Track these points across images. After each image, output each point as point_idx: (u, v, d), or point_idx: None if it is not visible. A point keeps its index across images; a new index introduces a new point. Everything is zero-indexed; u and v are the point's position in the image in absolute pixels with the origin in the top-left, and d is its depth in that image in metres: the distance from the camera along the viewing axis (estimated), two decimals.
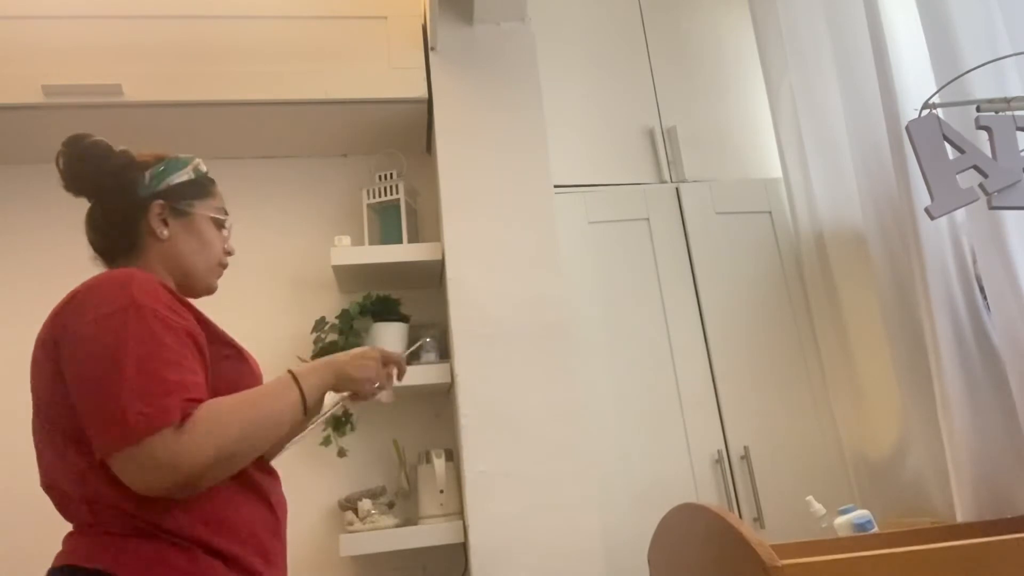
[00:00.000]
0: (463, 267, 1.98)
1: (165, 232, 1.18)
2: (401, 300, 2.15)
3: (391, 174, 2.23)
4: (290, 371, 1.12)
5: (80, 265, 2.33)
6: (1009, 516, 1.46)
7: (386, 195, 2.21)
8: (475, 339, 1.92)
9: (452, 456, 2.01)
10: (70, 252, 2.22)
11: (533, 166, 2.08)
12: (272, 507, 1.10)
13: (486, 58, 2.16)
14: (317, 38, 2.17)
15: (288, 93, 2.12)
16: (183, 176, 1.23)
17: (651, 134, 2.33)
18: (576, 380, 1.93)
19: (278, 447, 1.20)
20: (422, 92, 2.15)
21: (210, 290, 1.29)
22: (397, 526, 1.93)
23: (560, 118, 2.26)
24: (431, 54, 2.16)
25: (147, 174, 1.18)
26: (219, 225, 1.27)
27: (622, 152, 2.31)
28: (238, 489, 1.05)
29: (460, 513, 1.94)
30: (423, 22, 2.22)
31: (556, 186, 2.13)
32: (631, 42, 2.43)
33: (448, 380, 1.99)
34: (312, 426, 1.27)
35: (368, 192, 2.23)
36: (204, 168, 1.30)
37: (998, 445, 1.51)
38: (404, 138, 2.34)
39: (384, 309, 2.10)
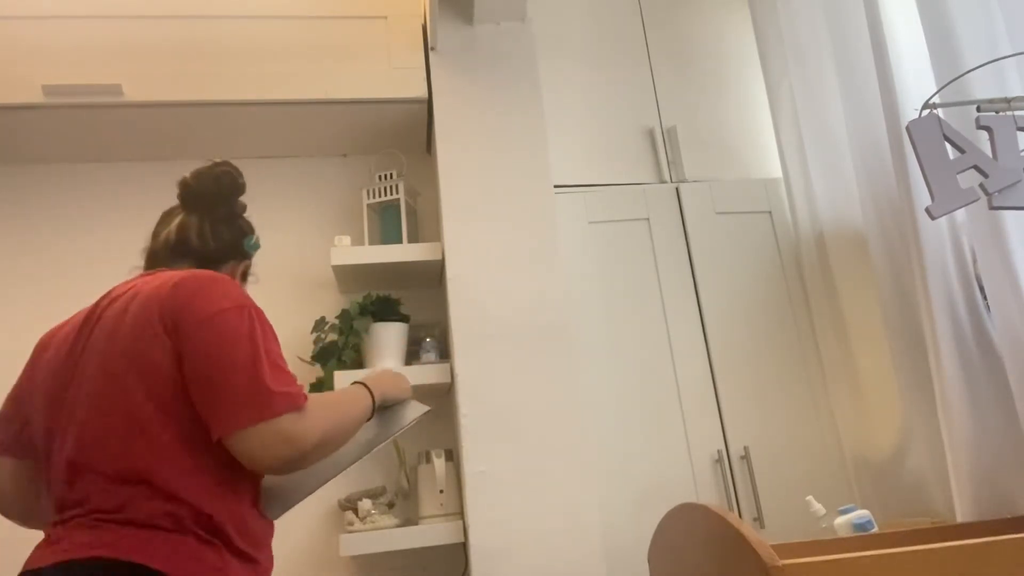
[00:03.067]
0: (463, 267, 1.98)
1: (243, 284, 1.37)
2: (401, 300, 2.15)
3: (391, 174, 2.23)
4: (362, 383, 1.30)
5: (79, 265, 2.34)
6: (1009, 516, 1.46)
7: (386, 195, 2.21)
8: (475, 339, 1.92)
9: (452, 456, 2.01)
10: (70, 252, 2.25)
11: (533, 166, 2.08)
12: (271, 526, 1.21)
13: (486, 58, 2.16)
14: (317, 38, 2.17)
15: (288, 93, 2.12)
16: (256, 250, 1.42)
17: (651, 134, 2.33)
18: (576, 380, 1.93)
19: (362, 452, 1.31)
20: (422, 92, 2.15)
21: None
22: (397, 526, 1.93)
23: (560, 118, 2.26)
24: (431, 54, 2.16)
25: (253, 237, 1.39)
26: None
27: (622, 152, 2.30)
28: (252, 508, 1.14)
29: (460, 513, 1.94)
30: (423, 22, 2.22)
31: (556, 186, 2.13)
32: (631, 42, 2.43)
33: (448, 380, 1.99)
34: (396, 436, 1.37)
35: (368, 192, 2.23)
36: None
37: (998, 445, 1.51)
38: (404, 138, 2.34)
39: (384, 309, 2.10)
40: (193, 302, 1.10)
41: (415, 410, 1.37)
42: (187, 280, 1.13)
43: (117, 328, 1.12)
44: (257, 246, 1.39)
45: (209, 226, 1.30)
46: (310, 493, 1.26)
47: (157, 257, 1.30)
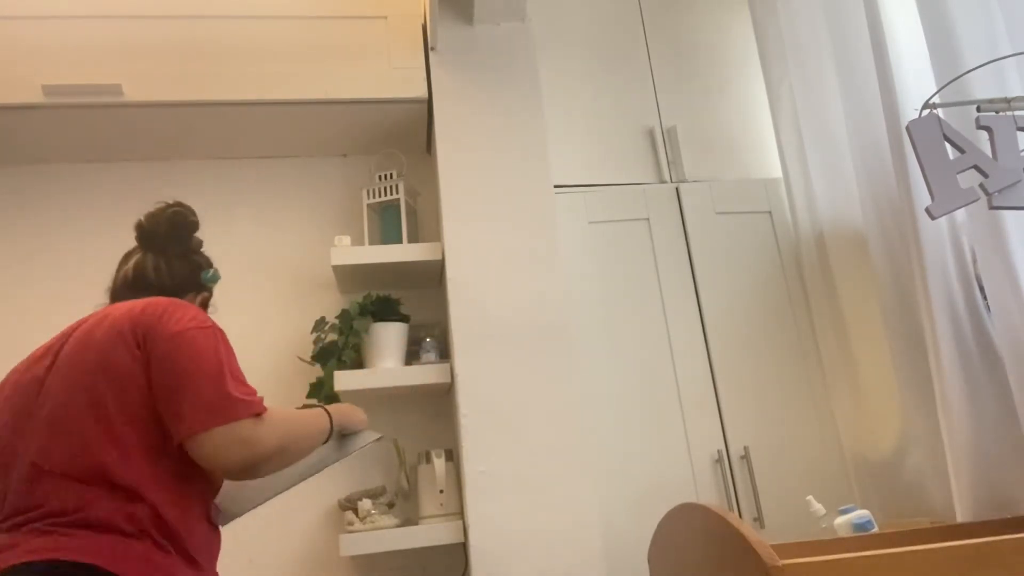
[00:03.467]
0: (463, 267, 1.98)
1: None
2: (401, 300, 2.15)
3: (391, 174, 2.23)
4: (322, 406, 1.39)
5: (79, 265, 2.34)
6: (1009, 516, 1.46)
7: (386, 195, 2.21)
8: (475, 339, 1.92)
9: (452, 456, 2.01)
10: (70, 252, 2.25)
11: (533, 166, 2.08)
12: (218, 535, 1.28)
13: (486, 58, 2.16)
14: (317, 38, 2.17)
15: (288, 93, 2.12)
16: (215, 282, 1.50)
17: (651, 134, 2.33)
18: (576, 380, 1.93)
19: (313, 470, 1.39)
20: (422, 92, 2.15)
21: None
22: (397, 526, 1.93)
23: (560, 118, 2.26)
24: (431, 54, 2.16)
25: (210, 271, 1.47)
26: None
27: (622, 152, 2.30)
28: (203, 516, 1.21)
29: (460, 513, 1.94)
30: (423, 22, 2.22)
31: (556, 186, 2.13)
32: (631, 42, 2.43)
33: (448, 380, 1.99)
34: (346, 457, 1.46)
35: (368, 192, 2.23)
36: None
37: (998, 445, 1.51)
38: (404, 138, 2.34)
39: (384, 309, 2.10)
40: (162, 319, 1.18)
41: (367, 437, 1.48)
42: (156, 301, 1.23)
43: (87, 342, 1.18)
44: (215, 278, 1.48)
45: (164, 262, 1.38)
46: (259, 504, 1.35)
47: (118, 295, 1.37)
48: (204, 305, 1.46)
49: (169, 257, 1.40)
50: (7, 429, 1.17)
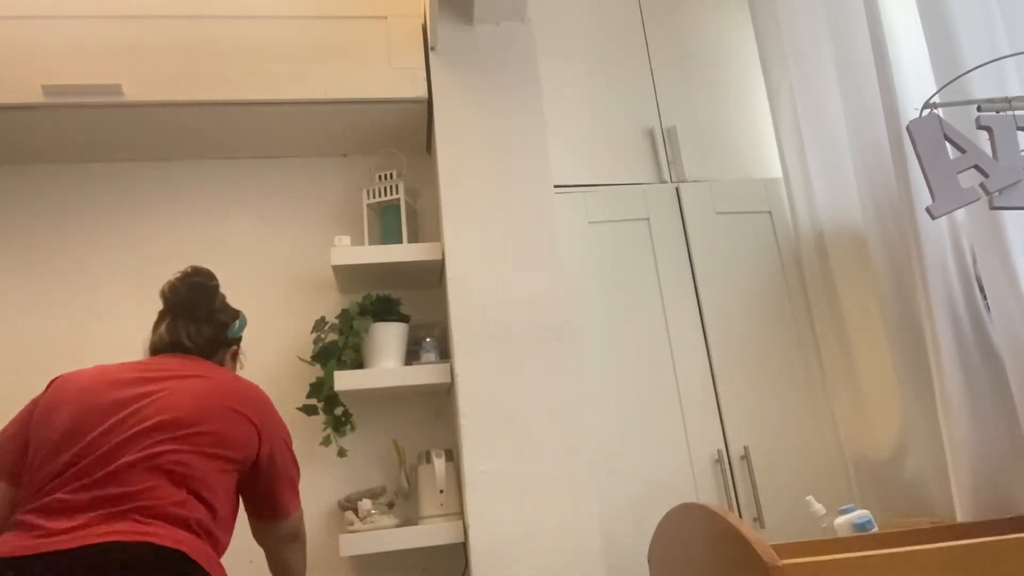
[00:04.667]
0: (463, 267, 1.98)
1: (230, 364, 1.63)
2: (401, 300, 2.15)
3: (391, 174, 2.23)
4: None
5: (79, 265, 2.34)
6: (1009, 516, 1.45)
7: (386, 195, 2.21)
8: (475, 339, 1.92)
9: (452, 456, 2.01)
10: (69, 252, 2.24)
11: (533, 166, 2.08)
12: None
13: (486, 58, 2.16)
14: (317, 38, 2.17)
15: (288, 93, 2.12)
16: (242, 330, 1.65)
17: (651, 134, 2.33)
18: (576, 380, 1.93)
19: None
20: (422, 92, 2.15)
21: None
22: (397, 526, 1.93)
23: (560, 118, 2.26)
24: (431, 54, 2.16)
25: (235, 324, 1.61)
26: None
27: (622, 152, 2.30)
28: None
29: (460, 513, 1.94)
30: (423, 22, 2.22)
31: (556, 186, 2.13)
32: (631, 42, 2.43)
33: (448, 380, 1.99)
34: None
35: (368, 192, 2.23)
36: None
37: (998, 445, 1.51)
38: (404, 138, 2.34)
39: (384, 309, 2.10)
40: (271, 418, 1.47)
41: None
42: (259, 399, 1.47)
43: (203, 401, 1.37)
44: (241, 327, 1.62)
45: (194, 327, 1.53)
46: None
47: (158, 350, 1.52)
48: (234, 357, 1.63)
49: (197, 321, 1.54)
50: (66, 443, 1.30)
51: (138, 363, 1.47)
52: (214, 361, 1.55)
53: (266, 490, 1.45)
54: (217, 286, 1.60)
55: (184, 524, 1.25)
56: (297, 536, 1.55)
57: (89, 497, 1.22)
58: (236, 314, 1.63)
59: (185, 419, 1.32)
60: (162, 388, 1.36)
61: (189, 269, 1.59)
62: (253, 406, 1.43)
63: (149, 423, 1.30)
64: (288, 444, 1.50)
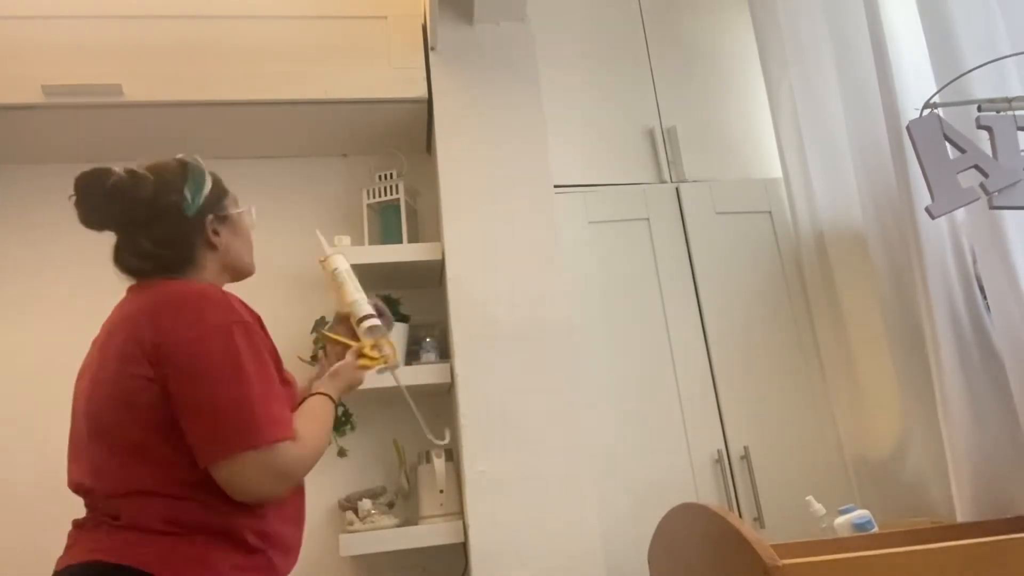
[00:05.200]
0: (463, 267, 1.98)
1: (219, 240, 1.26)
2: (401, 300, 2.15)
3: (391, 174, 2.23)
4: (326, 394, 1.28)
5: (79, 265, 2.34)
6: (1009, 516, 1.45)
7: (386, 195, 2.21)
8: (475, 339, 1.92)
9: (452, 456, 2.01)
10: (70, 252, 2.24)
11: (533, 166, 2.08)
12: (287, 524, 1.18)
13: (486, 58, 2.16)
14: (317, 38, 2.17)
15: (288, 93, 2.12)
16: (208, 185, 1.28)
17: (651, 134, 2.33)
18: (576, 380, 1.93)
19: None
20: (422, 92, 2.15)
21: (252, 272, 1.42)
22: (397, 526, 1.93)
23: (560, 118, 2.26)
24: (431, 54, 2.16)
25: (187, 196, 1.22)
26: (246, 217, 1.37)
27: (622, 152, 2.30)
28: (256, 509, 1.11)
29: (460, 513, 1.94)
30: (423, 22, 2.22)
31: (556, 186, 2.13)
32: (631, 42, 2.43)
33: (448, 380, 1.99)
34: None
35: (368, 192, 2.23)
36: (201, 163, 1.33)
37: (998, 445, 1.51)
38: (404, 138, 2.34)
39: None
40: (175, 330, 1.07)
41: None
42: (162, 306, 1.11)
43: (102, 364, 1.13)
44: (200, 187, 1.26)
45: (147, 237, 1.21)
46: None
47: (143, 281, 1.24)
48: (215, 230, 1.27)
49: (139, 231, 1.21)
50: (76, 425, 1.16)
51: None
52: (188, 267, 1.22)
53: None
54: (123, 178, 1.24)
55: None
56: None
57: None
58: (182, 179, 1.24)
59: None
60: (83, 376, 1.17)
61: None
62: (147, 329, 1.10)
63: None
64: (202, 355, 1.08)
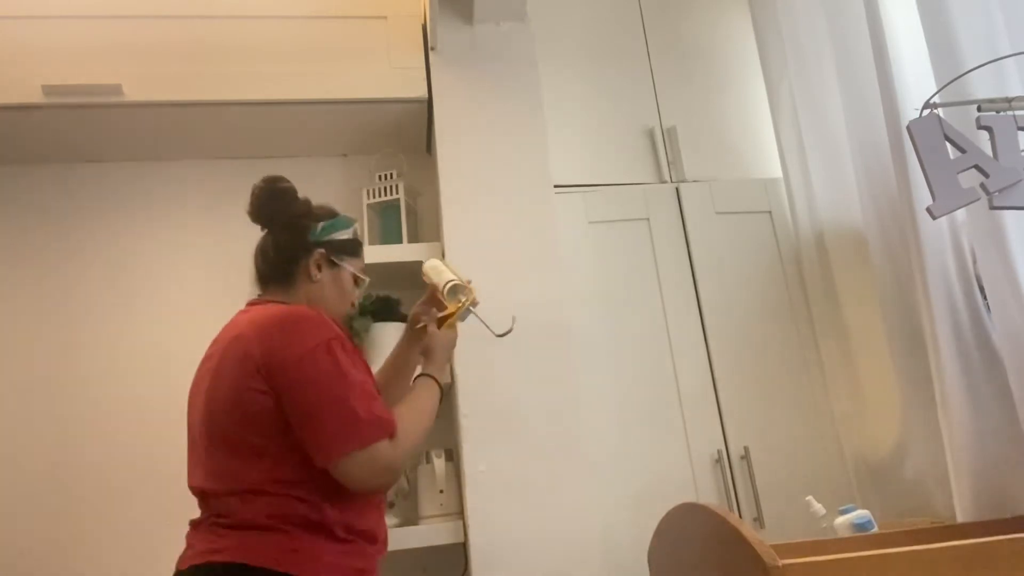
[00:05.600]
0: (463, 267, 1.97)
1: (318, 276, 1.40)
2: (401, 300, 2.15)
3: (391, 174, 2.23)
4: (431, 376, 1.43)
5: (79, 265, 2.34)
6: (1009, 516, 1.45)
7: (386, 195, 2.21)
8: (474, 339, 1.91)
9: (452, 456, 2.01)
10: (69, 252, 2.24)
11: (533, 166, 2.08)
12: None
13: (486, 58, 2.16)
14: (317, 38, 2.17)
15: (288, 93, 2.12)
16: (344, 235, 1.45)
17: (651, 134, 2.33)
18: (576, 380, 1.92)
19: None
20: (422, 92, 2.15)
21: None
22: (397, 526, 1.93)
23: (560, 118, 2.25)
24: (431, 54, 2.16)
25: (319, 225, 1.41)
26: (357, 283, 1.49)
27: (622, 152, 2.30)
28: (352, 501, 1.25)
29: (460, 513, 1.94)
30: (423, 22, 2.22)
31: (556, 186, 2.12)
32: (631, 42, 2.43)
33: (448, 380, 1.98)
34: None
35: (368, 192, 2.23)
36: (358, 232, 1.51)
37: (998, 445, 1.50)
38: (404, 138, 2.34)
39: (384, 309, 2.09)
40: (273, 349, 1.21)
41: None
42: (268, 328, 1.25)
43: (217, 379, 1.26)
44: (329, 229, 1.42)
45: (271, 240, 1.40)
46: None
47: (256, 285, 1.42)
48: (319, 265, 1.40)
49: (275, 232, 1.40)
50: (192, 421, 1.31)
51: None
52: (287, 282, 1.37)
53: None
54: (291, 188, 1.43)
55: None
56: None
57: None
58: (328, 214, 1.43)
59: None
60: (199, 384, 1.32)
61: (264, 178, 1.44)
62: (257, 348, 1.23)
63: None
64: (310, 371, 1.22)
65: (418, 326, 1.59)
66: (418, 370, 1.47)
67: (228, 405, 1.21)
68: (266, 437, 1.19)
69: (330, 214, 1.44)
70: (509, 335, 1.85)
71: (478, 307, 1.57)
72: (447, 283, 1.56)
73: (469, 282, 1.58)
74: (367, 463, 1.17)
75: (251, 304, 1.38)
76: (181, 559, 1.22)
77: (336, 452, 1.16)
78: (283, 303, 1.34)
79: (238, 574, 1.12)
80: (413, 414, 1.31)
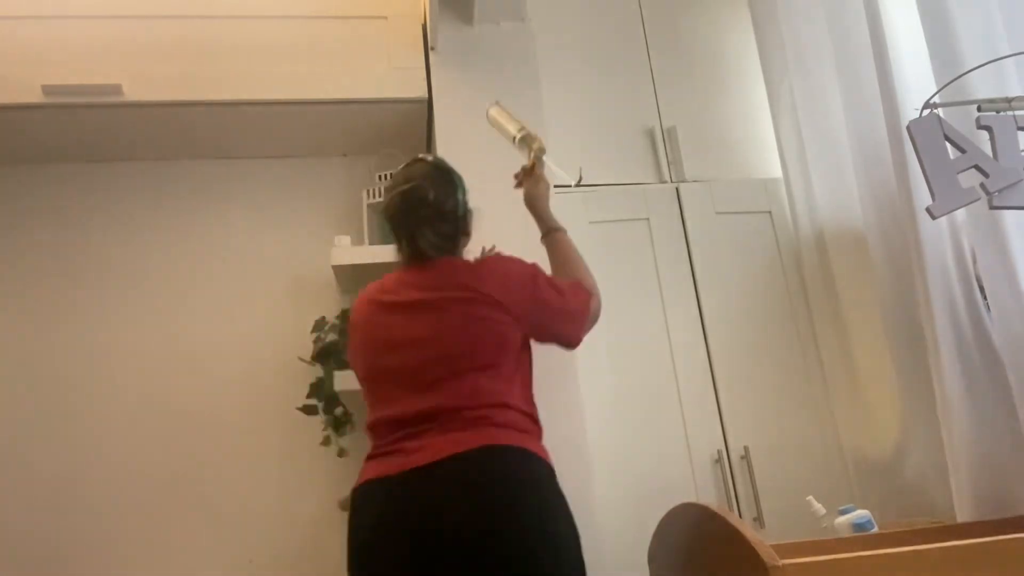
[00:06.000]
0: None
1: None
2: None
3: (391, 174, 2.22)
4: (560, 228, 1.75)
5: (79, 264, 2.33)
6: (1009, 516, 1.45)
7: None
8: None
9: None
10: (69, 252, 2.24)
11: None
12: None
13: (486, 58, 2.16)
14: (317, 38, 2.17)
15: (288, 93, 2.12)
16: (466, 204, 1.64)
17: (651, 134, 2.33)
18: (576, 380, 1.92)
19: None
20: (422, 92, 2.15)
21: None
22: None
23: (560, 118, 2.25)
24: (431, 54, 2.16)
25: (460, 202, 1.61)
26: None
27: (622, 152, 2.30)
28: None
29: None
30: (423, 22, 2.22)
31: (556, 186, 2.12)
32: (631, 42, 2.43)
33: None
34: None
35: (368, 192, 2.23)
36: None
37: (998, 445, 1.50)
38: (404, 138, 2.34)
39: None
40: (505, 280, 1.48)
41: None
42: (485, 267, 1.52)
43: (440, 318, 1.43)
44: (464, 205, 1.61)
45: (427, 230, 1.53)
46: None
47: (408, 264, 1.55)
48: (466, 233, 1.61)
49: (424, 225, 1.52)
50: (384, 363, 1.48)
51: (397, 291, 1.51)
52: (455, 253, 1.57)
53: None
54: (429, 188, 1.56)
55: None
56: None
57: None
58: (456, 190, 1.61)
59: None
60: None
61: (400, 177, 1.57)
62: (488, 281, 1.46)
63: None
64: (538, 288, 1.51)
65: (516, 187, 1.79)
66: (542, 226, 1.75)
67: (465, 335, 1.42)
68: (503, 356, 1.44)
69: (454, 191, 1.64)
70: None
71: (545, 154, 1.71)
72: (517, 135, 1.69)
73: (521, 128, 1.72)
74: (591, 321, 1.60)
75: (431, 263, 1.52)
76: (431, 452, 1.33)
77: (578, 330, 1.57)
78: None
79: (518, 454, 1.37)
80: (578, 269, 1.65)
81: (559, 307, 1.52)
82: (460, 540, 1.25)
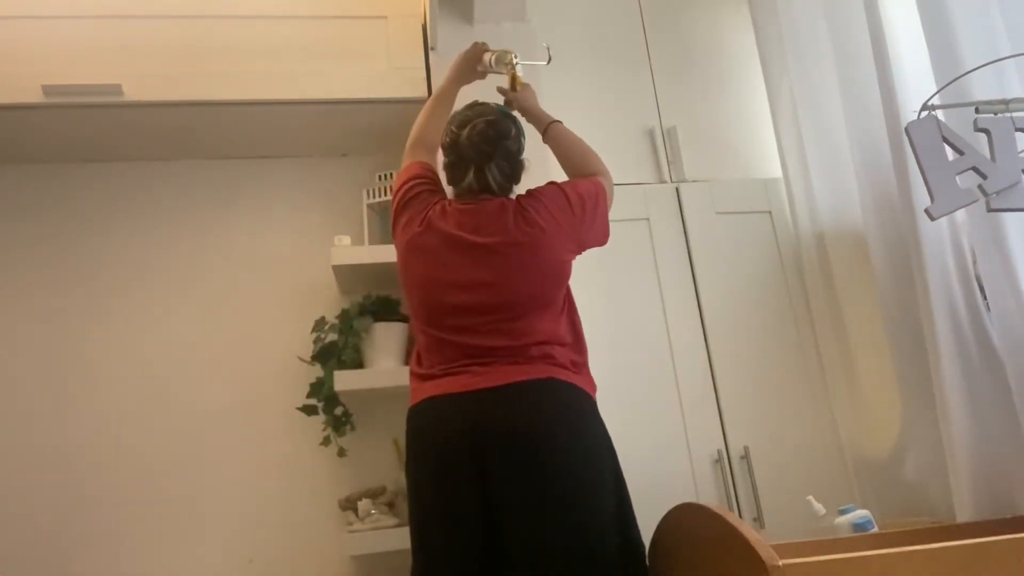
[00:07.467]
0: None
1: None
2: (401, 300, 2.15)
3: (391, 174, 2.23)
4: (550, 124, 1.83)
5: (79, 264, 2.33)
6: (1009, 516, 1.46)
7: (386, 195, 2.21)
8: None
9: None
10: (69, 251, 2.25)
11: (533, 166, 2.08)
12: None
13: None
14: (317, 38, 2.17)
15: (288, 93, 2.12)
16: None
17: (651, 134, 2.33)
18: None
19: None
20: (422, 92, 2.15)
21: None
22: (397, 526, 1.93)
23: (560, 118, 2.24)
24: (431, 54, 2.16)
25: (520, 146, 1.68)
26: None
27: (622, 152, 2.30)
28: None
29: None
30: (423, 22, 2.22)
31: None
32: (631, 42, 2.43)
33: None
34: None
35: (368, 192, 2.23)
36: None
37: (998, 445, 1.51)
38: (404, 138, 2.33)
39: (384, 309, 2.10)
40: (555, 211, 1.59)
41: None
42: (541, 199, 1.61)
43: (531, 248, 1.52)
44: (522, 146, 1.68)
45: (495, 168, 1.60)
46: None
47: (474, 193, 1.60)
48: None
49: (495, 162, 1.60)
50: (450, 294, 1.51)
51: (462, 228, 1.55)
52: (508, 195, 1.62)
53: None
54: (511, 124, 1.64)
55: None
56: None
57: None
58: (521, 134, 1.68)
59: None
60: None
61: (475, 112, 1.61)
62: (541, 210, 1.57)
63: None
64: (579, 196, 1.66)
65: (509, 108, 1.79)
66: (544, 120, 1.82)
67: (536, 281, 1.52)
68: (560, 293, 1.56)
69: (518, 135, 1.70)
70: None
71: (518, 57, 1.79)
72: (488, 58, 1.79)
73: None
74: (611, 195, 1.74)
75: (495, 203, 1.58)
76: (502, 376, 1.44)
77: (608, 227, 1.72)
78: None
79: (573, 390, 1.50)
80: (586, 152, 1.80)
81: (593, 218, 1.65)
82: (545, 436, 1.40)
